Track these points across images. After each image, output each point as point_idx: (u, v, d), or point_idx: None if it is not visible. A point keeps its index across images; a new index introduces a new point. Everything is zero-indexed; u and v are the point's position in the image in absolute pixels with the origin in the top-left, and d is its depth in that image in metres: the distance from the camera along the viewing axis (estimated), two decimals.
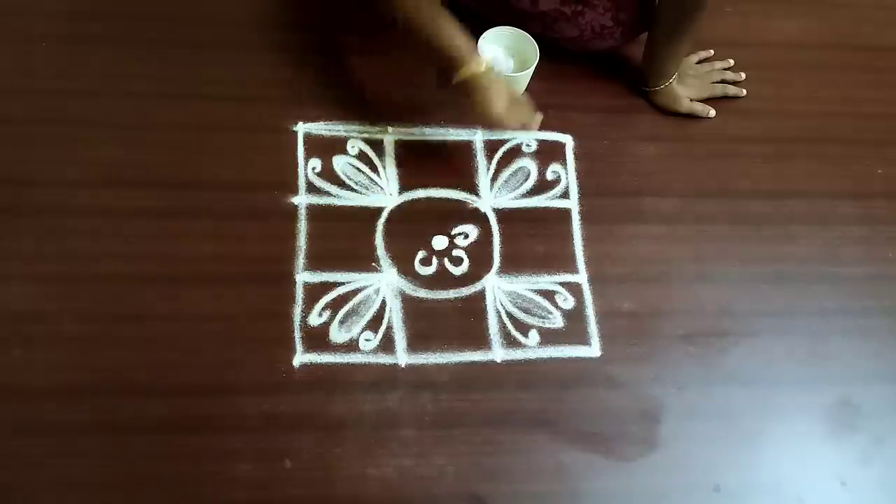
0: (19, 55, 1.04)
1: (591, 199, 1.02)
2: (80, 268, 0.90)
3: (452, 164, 1.03)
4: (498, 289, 0.95)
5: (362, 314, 0.91)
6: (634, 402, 0.90)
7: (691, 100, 1.09)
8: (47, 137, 0.98)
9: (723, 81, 1.12)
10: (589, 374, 0.91)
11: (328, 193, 0.98)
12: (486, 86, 0.88)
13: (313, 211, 0.97)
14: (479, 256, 0.97)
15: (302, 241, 0.95)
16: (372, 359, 0.89)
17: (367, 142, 1.02)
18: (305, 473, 0.82)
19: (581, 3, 1.00)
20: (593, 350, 0.92)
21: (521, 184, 1.02)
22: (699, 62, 1.14)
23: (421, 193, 1.00)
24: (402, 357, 0.89)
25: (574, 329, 0.93)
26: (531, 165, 1.04)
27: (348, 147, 1.02)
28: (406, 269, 0.95)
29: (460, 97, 0.90)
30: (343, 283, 0.93)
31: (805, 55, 1.18)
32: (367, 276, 0.94)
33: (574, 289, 0.96)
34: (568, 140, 1.06)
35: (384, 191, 0.99)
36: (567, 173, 1.04)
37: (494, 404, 0.88)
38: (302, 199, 0.97)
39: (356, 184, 0.99)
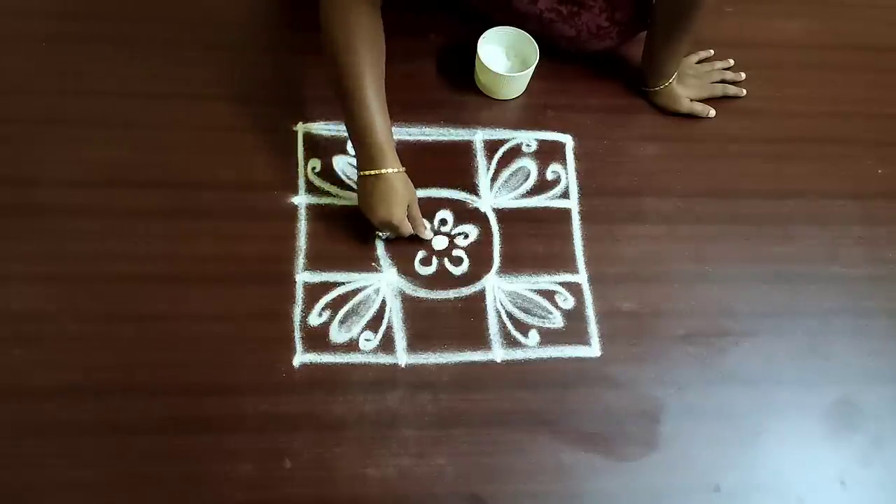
0: (19, 55, 1.04)
1: (591, 199, 1.02)
2: (80, 268, 0.90)
3: (452, 164, 1.03)
4: (498, 289, 0.95)
5: (362, 314, 0.91)
6: (634, 402, 0.90)
7: (691, 100, 1.09)
8: (47, 137, 0.98)
9: (723, 81, 1.12)
10: (589, 374, 0.91)
11: (328, 193, 0.98)
12: (387, 189, 0.88)
13: (313, 211, 0.97)
14: (479, 256, 0.97)
15: (302, 241, 0.95)
16: (372, 359, 0.89)
17: None
18: (305, 473, 0.82)
19: (576, 4, 1.00)
20: (593, 350, 0.92)
21: (521, 184, 1.02)
22: (699, 62, 1.14)
23: (421, 193, 1.00)
24: (402, 357, 0.89)
25: (574, 329, 0.93)
26: (531, 165, 1.03)
27: (348, 147, 1.02)
28: (406, 269, 0.95)
29: (360, 187, 0.91)
30: (343, 283, 0.93)
31: (805, 55, 1.18)
32: (367, 276, 0.94)
33: (574, 289, 0.96)
34: (568, 140, 1.06)
35: None
36: (567, 173, 1.04)
37: (494, 404, 0.88)
38: (302, 199, 0.97)
39: (356, 184, 0.99)
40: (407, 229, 0.92)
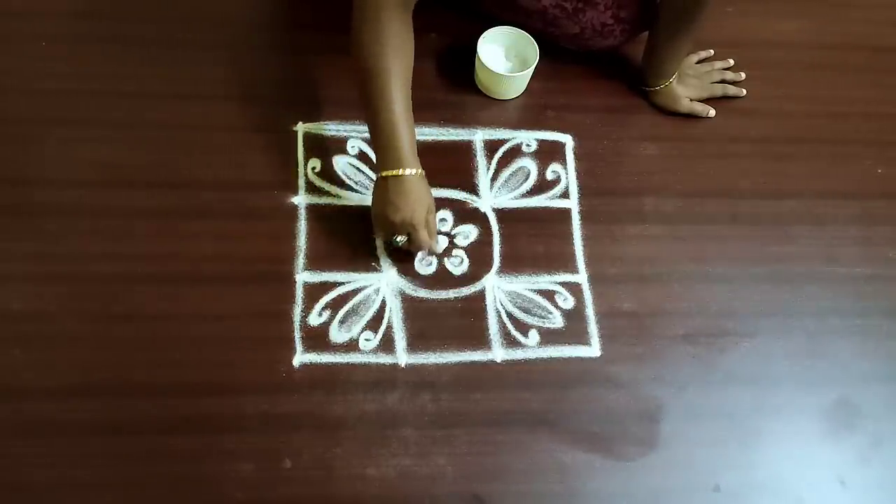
0: (19, 55, 1.04)
1: (591, 199, 1.02)
2: (80, 268, 0.90)
3: (452, 164, 1.02)
4: (498, 289, 0.95)
5: (362, 314, 0.91)
6: (634, 403, 0.90)
7: (691, 100, 1.09)
8: (47, 137, 0.98)
9: (723, 81, 1.12)
10: (589, 374, 0.91)
11: (328, 193, 0.98)
12: (408, 191, 0.86)
13: (313, 211, 0.97)
14: (479, 256, 0.97)
15: (302, 241, 0.95)
16: (372, 359, 0.89)
17: (367, 142, 1.02)
18: (305, 473, 0.82)
19: (582, 1, 1.00)
20: (593, 350, 0.92)
21: (521, 184, 1.02)
22: (699, 62, 1.14)
23: None
24: (402, 357, 0.89)
25: (574, 329, 0.93)
26: (531, 165, 1.03)
27: (348, 147, 1.02)
28: (406, 269, 0.95)
29: (378, 190, 0.89)
30: (343, 283, 0.93)
31: (805, 55, 1.18)
32: (367, 276, 0.94)
33: (574, 289, 0.96)
34: (568, 140, 1.06)
35: None
36: (567, 173, 1.04)
37: (494, 404, 0.88)
38: (302, 199, 0.97)
39: (356, 184, 0.99)
40: (425, 235, 0.88)
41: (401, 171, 0.86)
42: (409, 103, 0.87)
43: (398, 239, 0.90)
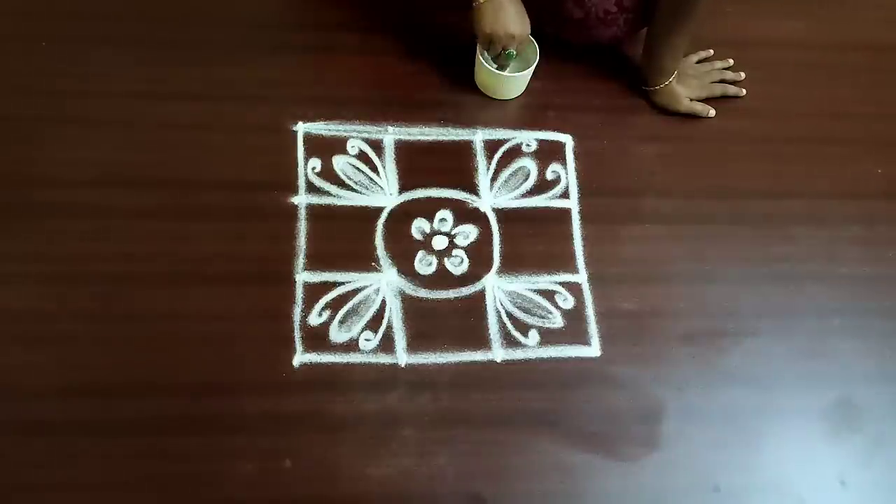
0: (19, 55, 1.04)
1: (591, 199, 1.02)
2: (80, 268, 0.90)
3: (452, 164, 1.03)
4: (498, 289, 0.95)
5: (362, 314, 0.91)
6: (635, 403, 0.90)
7: (691, 99, 1.09)
8: (47, 137, 0.98)
9: (722, 81, 1.12)
10: (589, 374, 0.91)
11: (328, 193, 0.98)
12: (487, 8, 0.95)
13: (313, 211, 0.97)
14: (479, 256, 0.97)
15: (302, 241, 0.95)
16: (372, 359, 0.89)
17: (367, 142, 1.02)
18: (305, 473, 0.82)
19: None
20: (593, 350, 0.92)
21: (521, 184, 1.02)
22: (699, 62, 1.14)
23: (421, 193, 1.00)
24: (402, 357, 0.89)
25: (574, 329, 0.93)
26: (531, 165, 1.04)
27: (348, 147, 1.02)
28: (406, 269, 0.95)
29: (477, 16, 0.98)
30: (343, 283, 0.93)
31: (805, 55, 1.18)
32: (367, 275, 0.94)
33: (574, 289, 0.96)
34: (568, 140, 1.06)
35: (384, 191, 0.99)
36: (567, 173, 1.04)
37: (494, 404, 0.88)
38: (302, 199, 0.97)
39: (356, 184, 0.99)
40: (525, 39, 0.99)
41: None
42: None
43: (510, 52, 1.01)
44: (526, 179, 1.02)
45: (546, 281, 0.96)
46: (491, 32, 0.98)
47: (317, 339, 0.89)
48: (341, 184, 0.99)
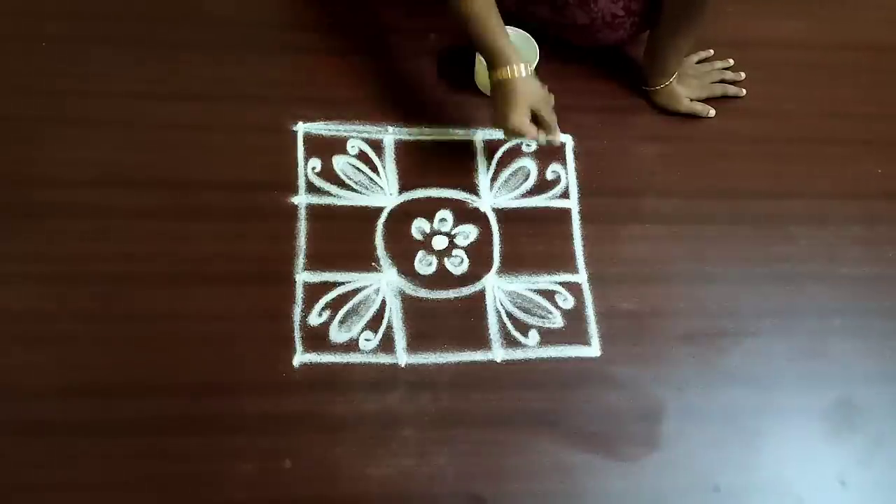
0: (19, 55, 1.04)
1: (591, 199, 1.02)
2: (80, 268, 0.90)
3: (452, 164, 1.03)
4: (498, 289, 0.95)
5: (362, 314, 0.91)
6: (635, 403, 0.90)
7: (691, 100, 1.09)
8: (47, 137, 0.98)
9: (722, 81, 1.12)
10: (589, 374, 0.91)
11: (328, 193, 0.98)
12: (511, 92, 0.89)
13: (313, 211, 0.97)
14: (479, 256, 0.97)
15: (302, 241, 0.95)
16: (372, 359, 0.89)
17: (367, 142, 1.02)
18: (305, 473, 0.82)
19: None
20: (593, 350, 0.92)
21: (521, 183, 1.02)
22: (699, 62, 1.14)
23: (421, 193, 1.00)
24: (402, 357, 0.89)
25: (574, 329, 0.93)
26: (531, 165, 1.04)
27: (348, 147, 1.02)
28: (406, 269, 0.95)
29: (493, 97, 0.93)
30: (343, 283, 0.93)
31: (805, 55, 1.18)
32: (367, 275, 0.94)
33: (574, 289, 0.96)
34: (568, 140, 1.06)
35: (384, 191, 0.99)
36: (567, 173, 1.04)
37: (494, 404, 0.88)
38: (302, 199, 0.97)
39: (356, 184, 0.99)
40: (529, 131, 0.90)
41: (499, 75, 0.90)
42: (497, 13, 0.91)
43: (516, 140, 0.98)
44: (526, 179, 1.02)
45: (546, 281, 0.96)
46: (499, 126, 0.92)
47: (317, 339, 0.89)
48: (341, 184, 0.99)
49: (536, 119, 0.92)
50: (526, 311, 0.94)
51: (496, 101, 0.92)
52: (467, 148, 1.04)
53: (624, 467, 0.86)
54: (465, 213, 0.99)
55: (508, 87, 0.89)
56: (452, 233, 0.98)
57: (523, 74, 0.90)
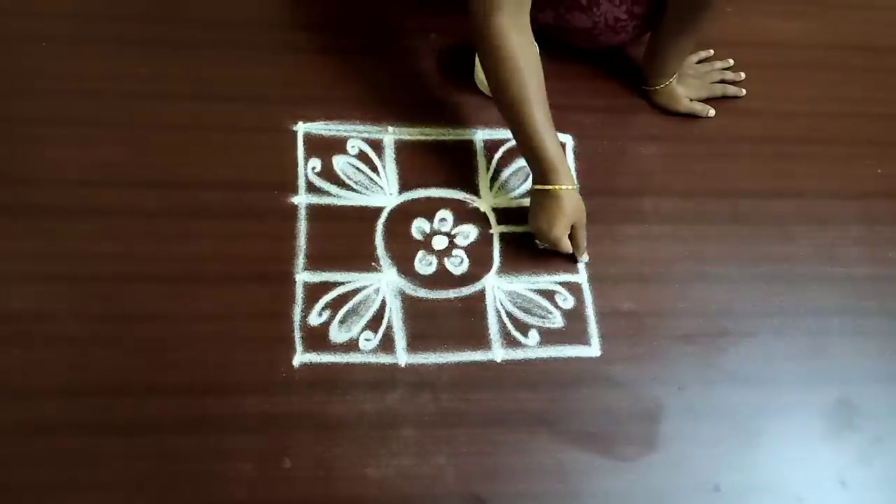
0: (19, 55, 1.04)
1: (591, 199, 1.01)
2: (79, 268, 0.90)
3: (452, 164, 1.03)
4: (498, 289, 0.95)
5: (362, 314, 0.91)
6: (634, 402, 0.90)
7: (691, 100, 1.09)
8: (48, 137, 0.98)
9: (722, 81, 1.12)
10: (589, 374, 0.91)
11: (328, 193, 0.98)
12: (557, 205, 0.90)
13: (313, 211, 0.97)
14: (479, 256, 0.97)
15: (302, 241, 0.95)
16: (372, 359, 0.89)
17: (367, 142, 1.02)
18: (305, 473, 0.82)
19: None
20: (593, 350, 0.92)
21: (521, 184, 1.02)
22: (699, 62, 1.14)
23: (421, 193, 1.00)
24: (402, 357, 0.89)
25: (574, 329, 0.93)
26: None
27: (348, 147, 1.02)
28: (406, 269, 0.95)
29: (532, 198, 0.94)
30: (343, 283, 0.93)
31: (805, 55, 1.18)
32: (367, 275, 0.94)
33: (574, 289, 0.96)
34: (568, 140, 1.06)
35: (384, 191, 0.99)
36: None
37: (494, 404, 0.88)
38: (302, 199, 0.97)
39: (356, 184, 1.00)
40: (565, 247, 0.93)
41: (548, 186, 0.90)
42: (548, 114, 0.90)
43: (539, 244, 0.96)
44: (526, 179, 1.02)
45: (546, 281, 0.96)
46: (538, 234, 0.94)
47: (317, 339, 0.89)
48: (341, 184, 0.99)
49: (570, 233, 0.93)
50: (526, 311, 0.94)
51: (537, 208, 0.92)
52: (467, 148, 1.04)
53: (624, 467, 0.86)
54: (465, 213, 0.99)
55: (555, 198, 0.90)
56: (452, 233, 0.98)
57: (572, 189, 0.90)
